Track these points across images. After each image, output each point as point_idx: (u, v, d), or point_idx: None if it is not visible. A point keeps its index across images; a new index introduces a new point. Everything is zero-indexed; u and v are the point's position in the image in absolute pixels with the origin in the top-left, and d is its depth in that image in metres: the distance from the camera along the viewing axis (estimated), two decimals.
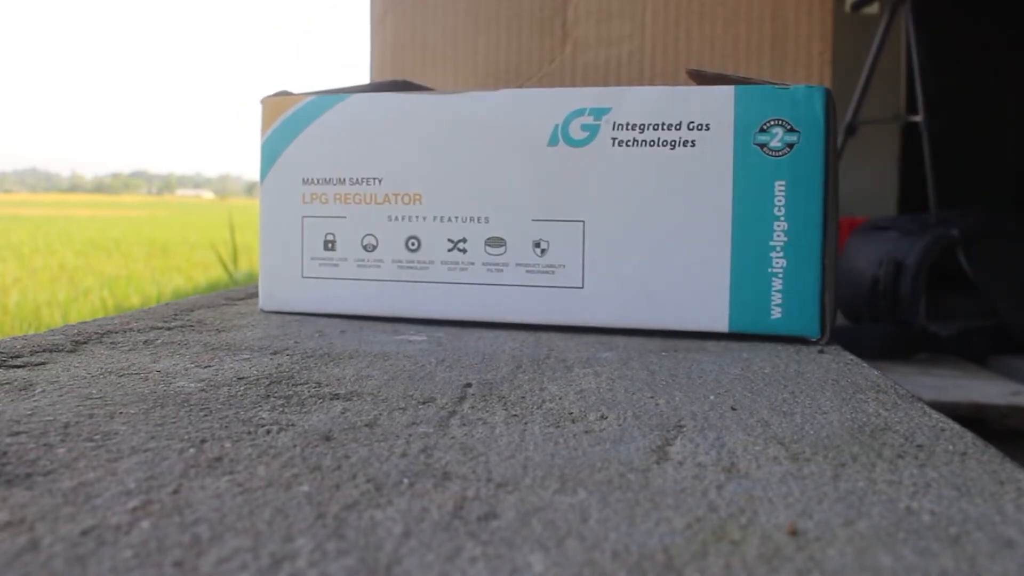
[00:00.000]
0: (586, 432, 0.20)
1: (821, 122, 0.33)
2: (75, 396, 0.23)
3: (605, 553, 0.14)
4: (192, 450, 0.18)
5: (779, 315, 0.34)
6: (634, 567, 0.13)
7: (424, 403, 0.23)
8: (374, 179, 0.38)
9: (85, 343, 0.30)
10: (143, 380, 0.25)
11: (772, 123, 0.33)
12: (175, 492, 0.16)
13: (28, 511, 0.15)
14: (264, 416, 0.21)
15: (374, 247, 0.38)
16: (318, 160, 0.38)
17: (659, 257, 0.35)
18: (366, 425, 0.21)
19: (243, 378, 0.26)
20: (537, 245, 0.36)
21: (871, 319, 1.07)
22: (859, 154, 1.44)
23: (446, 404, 0.23)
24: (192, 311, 0.39)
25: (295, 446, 0.19)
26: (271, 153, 0.39)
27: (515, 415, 0.22)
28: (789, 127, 0.33)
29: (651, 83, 0.51)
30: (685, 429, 0.21)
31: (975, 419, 0.76)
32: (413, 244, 0.37)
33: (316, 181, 0.38)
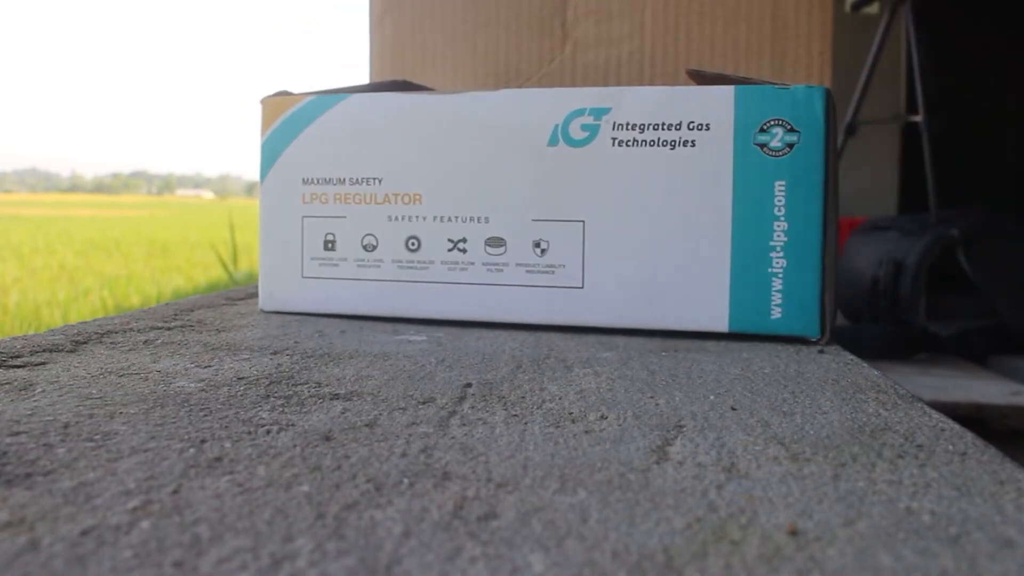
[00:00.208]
0: (586, 432, 0.20)
1: (821, 122, 0.33)
2: (75, 396, 0.23)
3: (605, 553, 0.14)
4: (192, 450, 0.18)
5: (779, 315, 0.34)
6: (634, 567, 0.13)
7: (424, 403, 0.23)
8: (374, 179, 0.38)
9: (85, 343, 0.30)
10: (143, 380, 0.25)
11: (772, 123, 0.33)
12: (175, 492, 0.16)
13: (28, 511, 0.15)
14: (264, 416, 0.21)
15: (374, 247, 0.38)
16: (318, 160, 0.38)
17: (659, 257, 0.35)
18: (366, 425, 0.21)
19: (243, 378, 0.26)
20: (537, 245, 0.36)
21: (871, 319, 1.07)
22: (859, 154, 1.44)
23: (446, 404, 0.23)
24: (192, 311, 0.39)
25: (295, 446, 0.19)
26: (271, 153, 0.39)
27: (515, 415, 0.22)
28: (789, 127, 0.33)
29: (651, 83, 0.51)
30: (685, 429, 0.21)
31: (975, 419, 0.76)
32: (413, 244, 0.37)
33: (316, 181, 0.38)
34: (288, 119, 0.39)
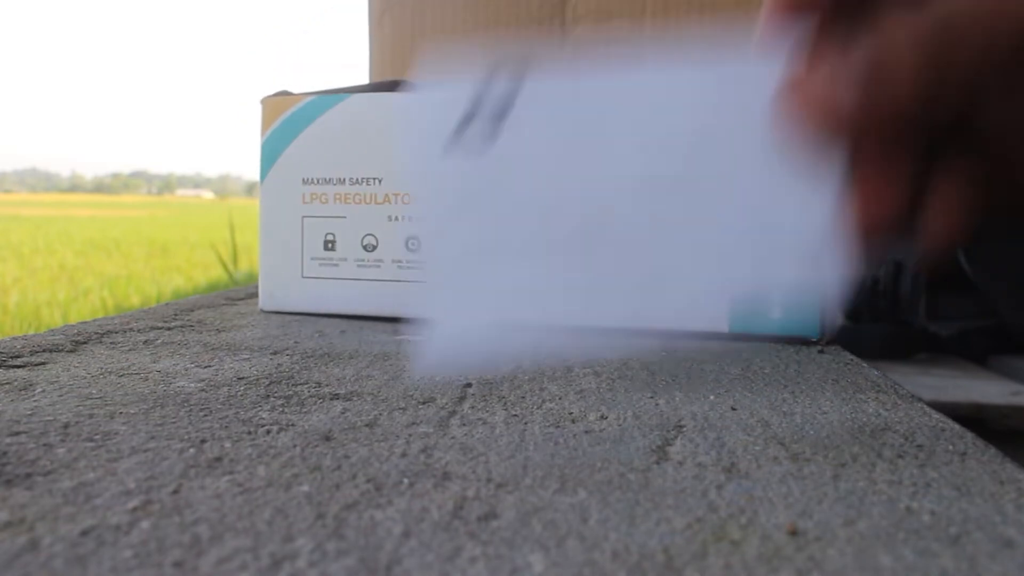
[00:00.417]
0: (586, 432, 0.20)
1: None
2: (75, 396, 0.23)
3: (605, 553, 0.14)
4: (192, 450, 0.18)
5: (779, 315, 0.34)
6: (634, 567, 0.13)
7: (424, 403, 0.23)
8: (374, 179, 0.38)
9: (85, 343, 0.30)
10: (143, 380, 0.25)
11: None
12: (175, 492, 0.16)
13: (28, 511, 0.15)
14: (264, 416, 0.21)
15: (374, 247, 0.38)
16: (318, 160, 0.38)
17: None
18: (366, 425, 0.21)
19: (243, 378, 0.26)
20: None
21: (871, 319, 1.07)
22: None
23: (446, 404, 0.23)
24: (192, 311, 0.39)
25: (295, 446, 0.19)
26: (271, 153, 0.39)
27: (515, 415, 0.22)
28: None
29: None
30: (685, 429, 0.21)
31: (975, 419, 0.75)
32: (413, 244, 0.37)
33: (316, 181, 0.38)
34: (288, 119, 0.39)
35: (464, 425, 0.21)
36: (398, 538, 0.14)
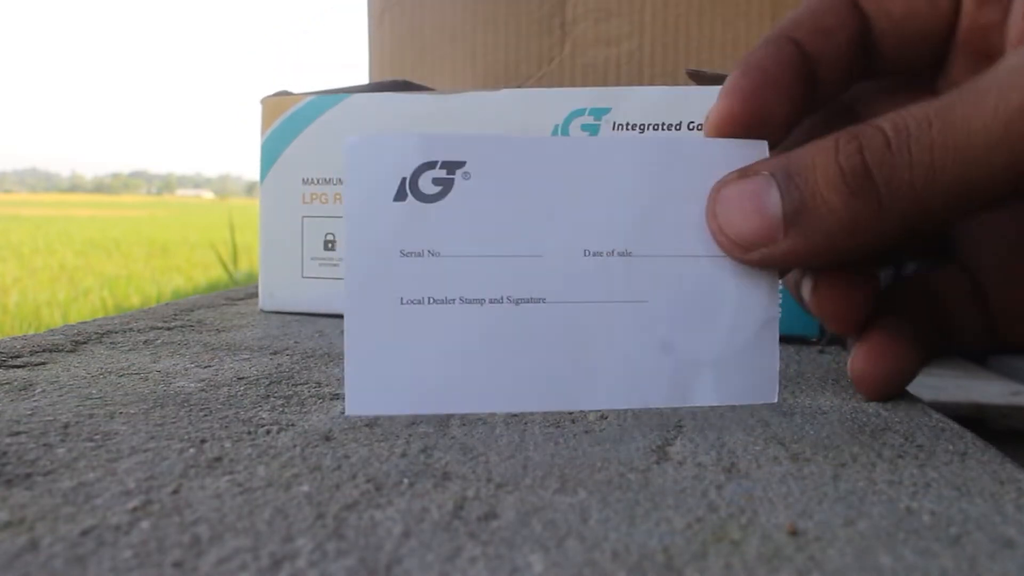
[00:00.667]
0: (586, 432, 0.20)
1: None
2: (75, 396, 0.23)
3: (605, 553, 0.14)
4: (192, 450, 0.18)
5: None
6: (634, 567, 0.13)
7: None
8: None
9: (85, 343, 0.30)
10: (143, 380, 0.25)
11: None
12: (175, 492, 0.16)
13: (28, 511, 0.15)
14: (264, 416, 0.21)
15: None
16: (318, 160, 0.38)
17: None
18: (366, 425, 0.21)
19: (243, 378, 0.26)
20: None
21: None
22: None
23: None
24: (192, 311, 0.39)
25: (295, 446, 0.19)
26: (271, 153, 0.39)
27: (515, 415, 0.22)
28: None
29: (651, 83, 0.51)
30: (685, 429, 0.21)
31: (975, 419, 0.75)
32: None
33: (316, 181, 0.38)
34: (288, 119, 0.39)
35: (464, 425, 0.21)
36: (398, 538, 0.14)
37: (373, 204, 0.21)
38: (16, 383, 0.24)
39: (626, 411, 0.22)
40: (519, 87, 0.43)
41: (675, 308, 0.22)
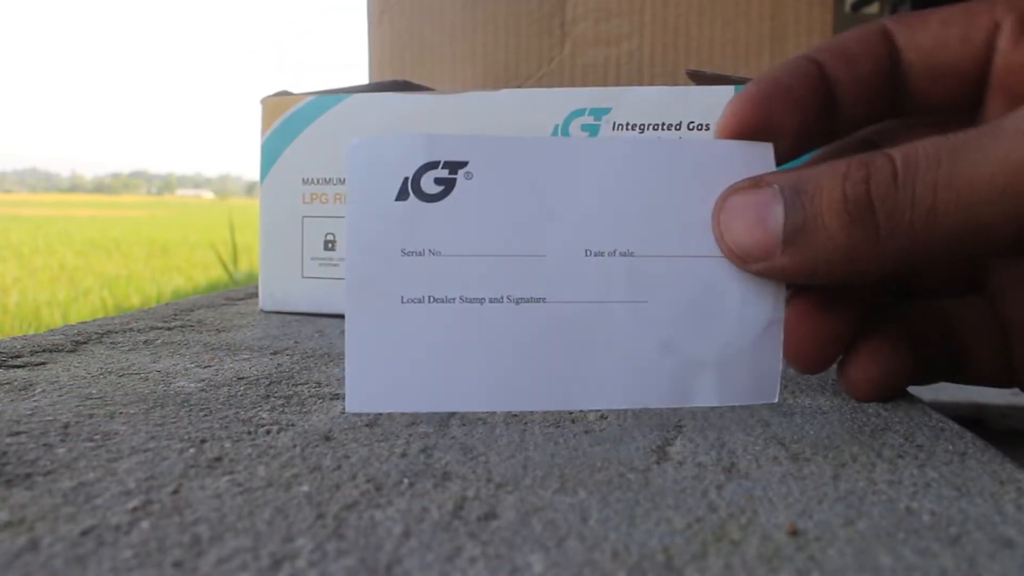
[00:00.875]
0: (586, 432, 0.20)
1: None
2: (75, 396, 0.23)
3: (605, 553, 0.14)
4: (192, 450, 0.18)
5: None
6: (634, 567, 0.13)
7: None
8: None
9: (85, 343, 0.30)
10: (143, 380, 0.25)
11: None
12: (175, 492, 0.16)
13: (28, 511, 0.15)
14: (264, 416, 0.21)
15: None
16: (318, 160, 0.38)
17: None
18: (366, 425, 0.21)
19: (243, 378, 0.26)
20: None
21: None
22: None
23: None
24: (192, 311, 0.39)
25: (295, 446, 0.19)
26: (271, 153, 0.39)
27: (515, 415, 0.22)
28: None
29: (651, 83, 0.51)
30: (685, 429, 0.21)
31: (975, 419, 0.75)
32: None
33: (316, 181, 0.38)
34: (288, 119, 0.39)
35: (464, 425, 0.21)
36: (398, 538, 0.14)
37: (375, 203, 0.21)
38: (16, 383, 0.24)
39: (626, 411, 0.22)
40: (519, 87, 0.43)
41: (677, 308, 0.22)
